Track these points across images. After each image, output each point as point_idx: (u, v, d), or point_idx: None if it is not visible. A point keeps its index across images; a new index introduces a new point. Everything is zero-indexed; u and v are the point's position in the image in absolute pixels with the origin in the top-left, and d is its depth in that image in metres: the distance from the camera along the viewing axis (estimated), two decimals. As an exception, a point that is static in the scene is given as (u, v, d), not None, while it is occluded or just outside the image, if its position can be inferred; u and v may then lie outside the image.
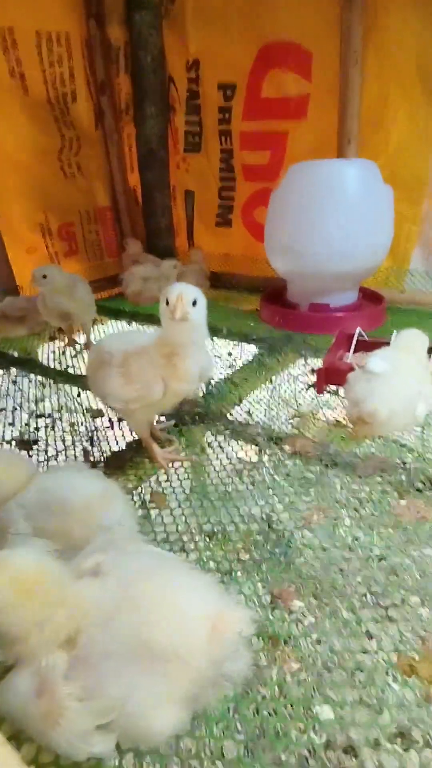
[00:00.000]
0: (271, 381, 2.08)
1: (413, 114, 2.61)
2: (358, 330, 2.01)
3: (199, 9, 3.04)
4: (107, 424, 1.83)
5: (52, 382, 2.16)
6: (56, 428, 1.81)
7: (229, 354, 2.37)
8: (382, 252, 2.54)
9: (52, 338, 2.70)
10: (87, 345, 2.52)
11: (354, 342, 2.02)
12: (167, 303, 1.21)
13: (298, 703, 0.86)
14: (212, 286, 3.42)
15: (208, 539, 1.24)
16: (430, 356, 1.62)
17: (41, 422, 1.86)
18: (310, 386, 2.00)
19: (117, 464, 1.57)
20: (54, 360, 2.43)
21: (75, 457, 1.63)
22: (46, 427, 1.83)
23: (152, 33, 3.14)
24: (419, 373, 1.54)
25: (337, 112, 2.73)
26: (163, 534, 1.28)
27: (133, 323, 2.89)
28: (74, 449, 1.68)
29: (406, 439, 1.61)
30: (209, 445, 1.65)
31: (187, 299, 1.18)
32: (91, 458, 1.62)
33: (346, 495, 1.37)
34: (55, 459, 1.63)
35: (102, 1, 3.09)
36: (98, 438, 1.74)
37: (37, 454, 1.66)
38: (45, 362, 2.41)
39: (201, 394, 1.95)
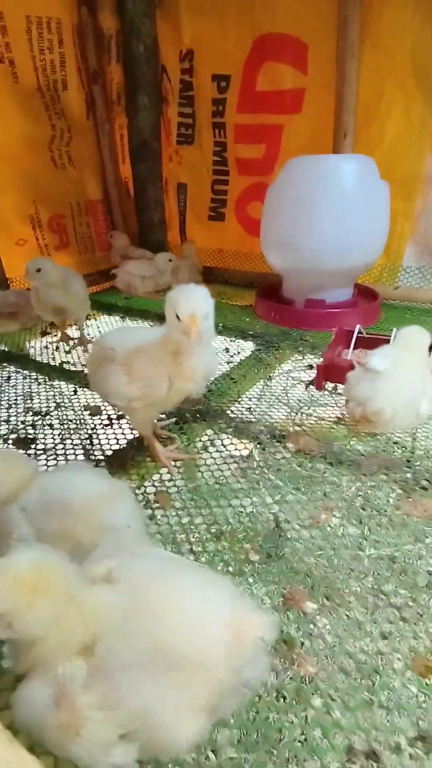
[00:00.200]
0: (269, 377, 2.06)
1: (408, 109, 2.60)
2: (357, 327, 2.01)
3: (194, -3, 2.99)
4: (106, 421, 1.79)
5: (47, 378, 2.12)
6: (54, 426, 1.77)
7: (226, 350, 2.34)
8: (378, 248, 2.54)
9: (44, 333, 2.65)
10: (81, 340, 2.47)
11: (354, 339, 2.01)
12: (177, 317, 1.17)
13: (318, 709, 0.85)
14: (205, 280, 3.39)
15: (216, 540, 1.23)
16: (430, 353, 1.62)
17: (38, 420, 1.82)
18: (309, 383, 1.99)
19: (118, 463, 1.54)
20: (48, 356, 2.38)
21: (75, 455, 1.60)
22: (43, 425, 1.78)
23: (145, 21, 3.08)
24: (421, 371, 1.54)
25: (333, 107, 2.71)
26: (169, 535, 1.25)
27: (127, 318, 2.85)
28: (73, 448, 1.64)
29: (410, 437, 1.61)
30: (212, 443, 1.63)
31: (199, 318, 1.15)
32: (92, 457, 1.59)
33: (353, 493, 1.36)
34: (55, 458, 1.59)
35: (94, -13, 3.03)
36: (97, 436, 1.70)
37: (36, 453, 1.61)
38: (38, 358, 2.36)
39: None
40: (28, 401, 1.95)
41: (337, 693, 0.88)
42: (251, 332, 2.51)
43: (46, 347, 2.48)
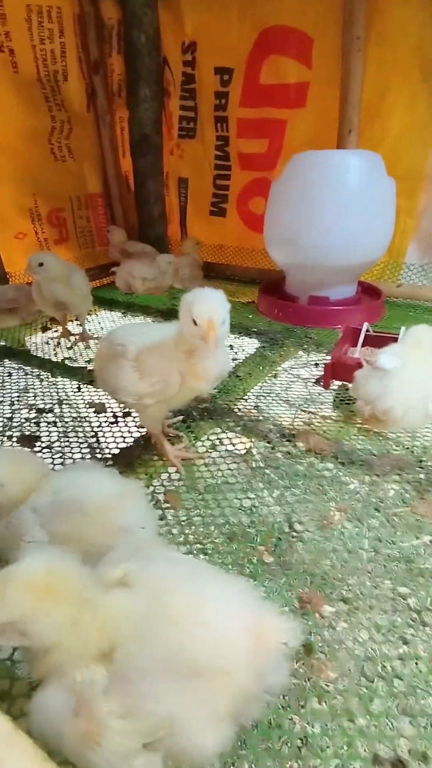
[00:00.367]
0: (274, 375, 2.04)
1: (413, 105, 2.58)
2: (366, 325, 1.99)
3: (196, -12, 2.94)
4: (111, 419, 1.76)
5: (49, 375, 2.08)
6: (58, 424, 1.74)
7: (230, 347, 2.32)
8: (383, 245, 2.52)
9: (45, 329, 2.61)
10: (82, 336, 2.43)
11: (362, 337, 1.99)
12: (194, 322, 1.15)
13: (341, 716, 0.83)
14: (206, 276, 3.36)
15: (228, 541, 1.20)
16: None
17: (41, 417, 1.78)
18: (316, 381, 1.97)
19: (125, 462, 1.51)
20: (50, 351, 2.35)
21: (81, 454, 1.57)
22: (48, 422, 1.75)
23: (147, 12, 3.02)
24: (430, 370, 1.52)
25: (338, 101, 2.68)
26: (180, 536, 1.23)
27: (128, 314, 2.81)
28: (79, 446, 1.61)
29: (422, 437, 1.59)
30: (220, 441, 1.61)
31: (217, 324, 1.13)
32: (98, 455, 1.56)
33: (365, 494, 1.35)
34: (61, 456, 1.56)
35: (95, -24, 2.97)
36: (103, 434, 1.67)
37: (41, 451, 1.58)
38: (39, 353, 2.32)
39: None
40: (31, 398, 1.91)
41: (360, 699, 0.86)
42: (255, 329, 2.49)
43: (47, 343, 2.44)
